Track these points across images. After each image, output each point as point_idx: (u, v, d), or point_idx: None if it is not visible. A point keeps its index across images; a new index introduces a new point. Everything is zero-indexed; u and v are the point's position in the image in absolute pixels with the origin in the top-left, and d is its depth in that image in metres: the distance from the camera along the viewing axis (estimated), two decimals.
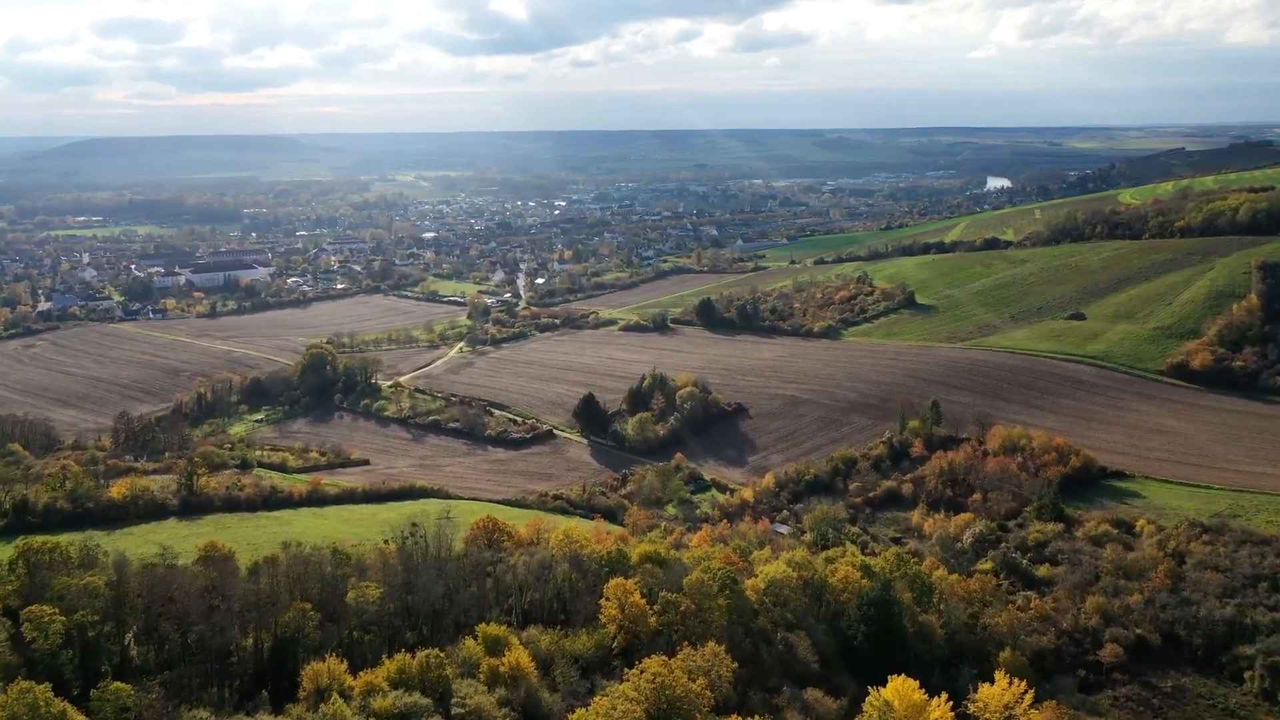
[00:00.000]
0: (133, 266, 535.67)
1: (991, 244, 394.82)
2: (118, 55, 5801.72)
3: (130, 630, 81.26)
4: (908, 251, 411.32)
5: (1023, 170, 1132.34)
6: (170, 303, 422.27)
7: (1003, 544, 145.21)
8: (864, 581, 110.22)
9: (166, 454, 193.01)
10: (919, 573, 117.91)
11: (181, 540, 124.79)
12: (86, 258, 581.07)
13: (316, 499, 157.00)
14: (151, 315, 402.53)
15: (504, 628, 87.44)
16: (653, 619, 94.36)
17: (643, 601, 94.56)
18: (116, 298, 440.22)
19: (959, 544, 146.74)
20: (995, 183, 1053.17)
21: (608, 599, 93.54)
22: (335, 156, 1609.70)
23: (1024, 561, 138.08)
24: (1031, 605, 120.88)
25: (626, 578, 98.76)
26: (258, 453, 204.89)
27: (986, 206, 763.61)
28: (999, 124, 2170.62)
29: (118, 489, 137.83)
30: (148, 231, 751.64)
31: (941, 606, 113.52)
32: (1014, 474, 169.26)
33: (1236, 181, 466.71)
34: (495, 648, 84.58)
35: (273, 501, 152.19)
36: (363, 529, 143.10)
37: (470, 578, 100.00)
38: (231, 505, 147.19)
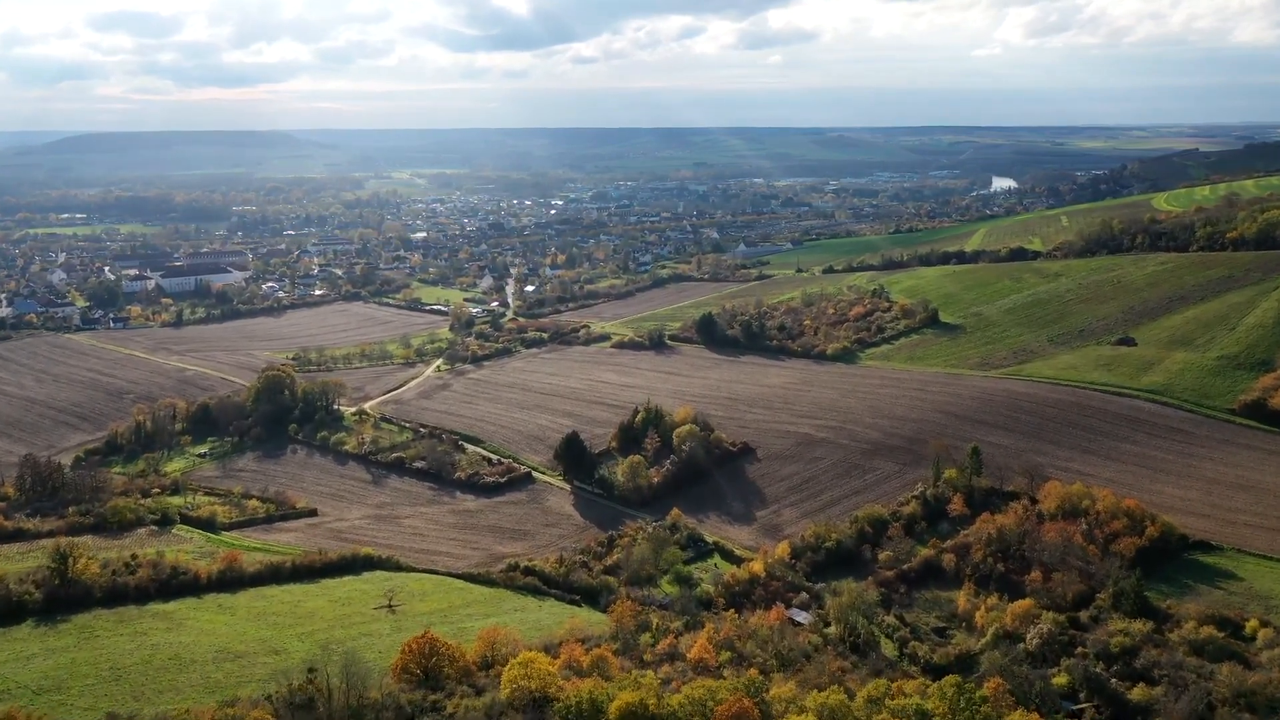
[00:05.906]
0: (105, 269, 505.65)
1: (1018, 254, 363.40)
2: (114, 49, 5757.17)
3: None
4: (926, 261, 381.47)
5: (1027, 170, 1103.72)
6: (135, 310, 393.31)
7: (1078, 648, 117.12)
8: None
9: (72, 509, 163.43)
10: (988, 715, 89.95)
11: (23, 664, 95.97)
12: (63, 258, 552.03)
13: (230, 580, 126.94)
14: (112, 324, 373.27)
15: None
16: None
17: None
18: (80, 303, 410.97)
19: (1021, 644, 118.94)
20: (1000, 183, 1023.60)
21: None
22: (331, 153, 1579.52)
23: (1111, 679, 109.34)
24: None
25: None
26: (184, 500, 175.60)
27: (996, 208, 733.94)
28: (1000, 123, 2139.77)
29: None
30: (130, 230, 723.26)
31: None
32: (1079, 546, 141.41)
33: None
34: None
35: (171, 588, 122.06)
36: (276, 631, 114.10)
37: None
38: (116, 596, 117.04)
